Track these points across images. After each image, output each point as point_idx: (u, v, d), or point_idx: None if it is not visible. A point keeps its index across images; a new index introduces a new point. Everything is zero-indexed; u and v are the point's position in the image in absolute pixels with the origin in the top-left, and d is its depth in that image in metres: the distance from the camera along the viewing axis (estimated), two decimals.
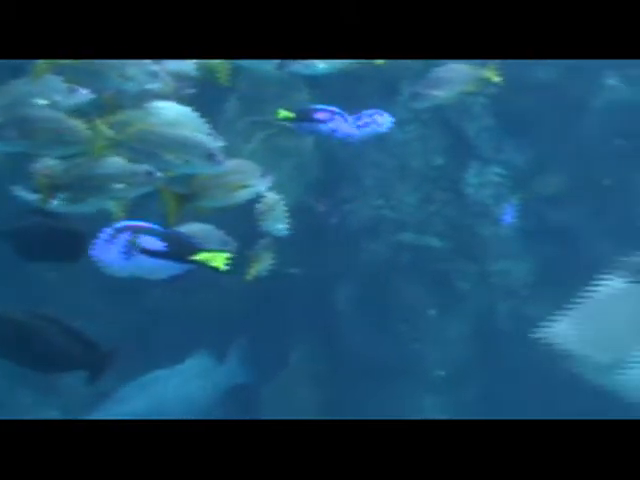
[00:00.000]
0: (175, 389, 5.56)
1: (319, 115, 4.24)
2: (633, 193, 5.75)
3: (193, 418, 5.13)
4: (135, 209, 3.55)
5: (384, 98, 5.33)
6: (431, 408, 5.79)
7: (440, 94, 4.45)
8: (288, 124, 4.16)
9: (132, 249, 3.12)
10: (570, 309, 2.68)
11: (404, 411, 5.70)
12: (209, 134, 3.57)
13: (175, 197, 3.63)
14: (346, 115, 4.29)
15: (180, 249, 3.16)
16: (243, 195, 3.88)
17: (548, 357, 5.74)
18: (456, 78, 4.44)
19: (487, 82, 4.54)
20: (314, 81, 5.31)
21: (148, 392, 5.50)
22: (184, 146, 3.46)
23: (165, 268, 3.19)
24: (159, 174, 3.50)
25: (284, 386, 5.86)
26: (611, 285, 2.64)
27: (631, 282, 2.62)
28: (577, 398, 5.26)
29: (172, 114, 3.53)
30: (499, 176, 5.82)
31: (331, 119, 4.23)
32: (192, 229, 3.81)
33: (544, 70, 5.68)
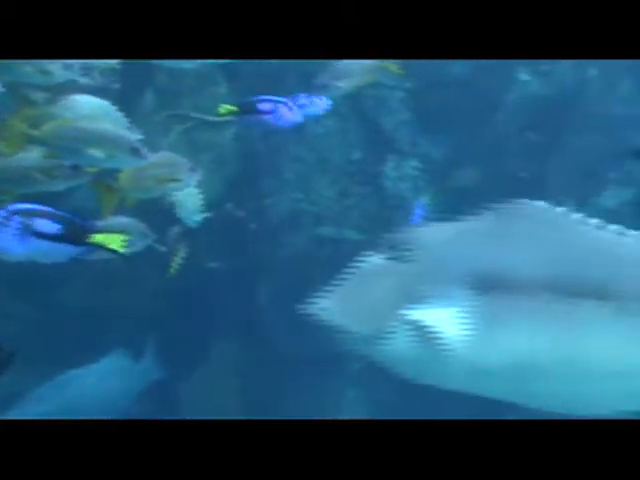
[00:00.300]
0: (91, 388, 5.47)
1: (263, 106, 4.21)
2: (546, 185, 5.87)
3: (110, 417, 5.05)
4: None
5: (302, 91, 5.33)
6: (354, 401, 5.82)
7: (342, 85, 4.50)
8: (232, 118, 4.13)
9: (26, 232, 3.04)
10: (335, 285, 2.84)
11: (326, 406, 5.71)
12: (127, 128, 3.53)
13: (108, 189, 3.61)
14: (290, 103, 4.28)
15: (75, 232, 3.09)
16: (172, 188, 3.88)
17: None
18: (358, 69, 4.48)
19: (388, 73, 4.61)
20: (232, 74, 5.27)
21: (64, 392, 5.40)
22: (107, 141, 3.42)
23: (61, 251, 3.13)
24: (87, 169, 3.46)
25: (204, 383, 5.81)
26: (371, 261, 2.81)
27: (387, 258, 2.80)
28: None
29: (90, 108, 3.48)
30: (417, 170, 5.87)
31: (275, 109, 4.21)
32: (114, 222, 3.79)
33: (459, 65, 5.75)
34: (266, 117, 4.19)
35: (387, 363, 2.84)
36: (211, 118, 4.13)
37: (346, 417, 5.76)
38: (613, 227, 2.78)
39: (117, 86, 3.87)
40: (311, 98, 4.41)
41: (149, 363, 5.68)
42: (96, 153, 3.39)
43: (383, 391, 5.82)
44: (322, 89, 4.55)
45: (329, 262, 5.81)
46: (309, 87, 4.92)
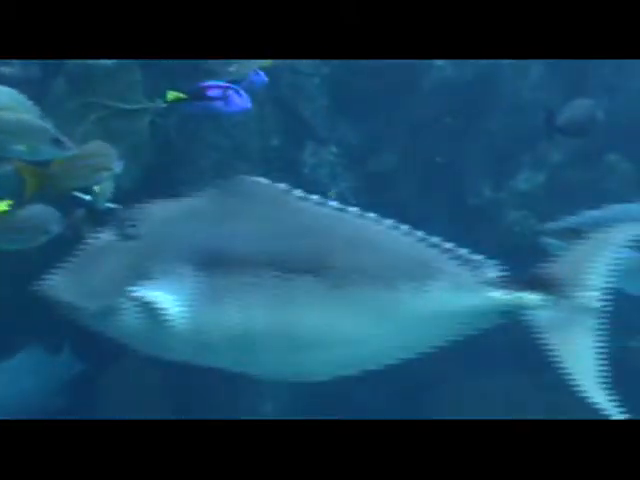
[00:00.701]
0: (6, 387, 5.34)
1: (212, 92, 4.16)
2: (463, 169, 5.94)
3: (27, 417, 4.93)
4: None
5: (215, 78, 5.27)
6: (271, 395, 5.82)
7: (233, 69, 4.52)
8: (148, 106, 4.08)
9: None
10: (67, 262, 2.94)
11: (247, 401, 5.70)
12: (41, 118, 3.47)
13: (33, 174, 3.57)
14: (239, 89, 4.24)
15: None
16: (104, 177, 3.89)
17: None
18: None
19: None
20: (146, 61, 5.18)
21: None
22: (29, 132, 3.36)
23: None
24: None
25: (125, 378, 5.72)
26: (101, 238, 2.92)
27: (116, 235, 2.92)
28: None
29: (6, 99, 3.40)
30: (335, 155, 5.88)
31: (224, 94, 4.16)
32: (28, 210, 3.78)
33: None
34: (216, 103, 4.16)
35: (118, 337, 2.92)
36: (127, 106, 4.06)
37: (266, 409, 5.76)
38: (333, 203, 2.89)
39: (30, 75, 3.78)
40: (250, 79, 4.39)
41: (67, 358, 5.56)
42: (19, 145, 3.33)
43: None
44: (212, 74, 4.55)
45: None
46: (222, 75, 4.88)
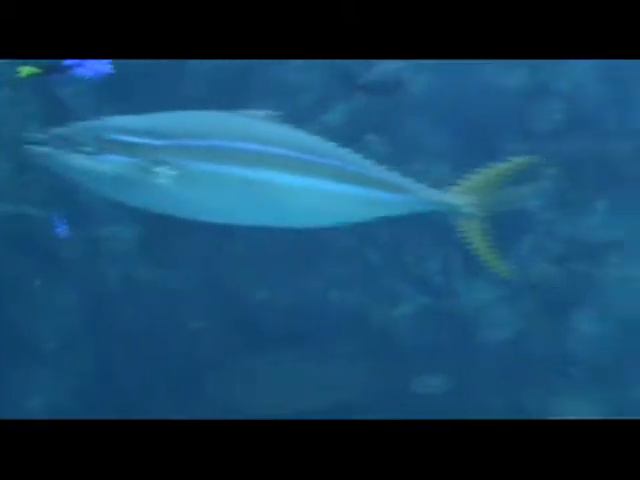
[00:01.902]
0: None
1: (68, 60, 3.93)
2: None
3: None
4: None
5: None
6: (46, 380, 5.66)
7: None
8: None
9: None
10: None
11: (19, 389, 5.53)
12: None
13: None
14: None
15: None
16: None
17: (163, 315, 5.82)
18: None
19: None
20: None
21: None
22: None
23: None
24: None
25: None
26: None
27: None
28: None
29: None
30: None
31: (82, 62, 3.95)
32: None
33: None
34: (75, 72, 3.94)
35: None
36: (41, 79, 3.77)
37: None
38: None
39: None
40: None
41: None
42: None
43: (75, 365, 5.72)
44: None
45: (8, 239, 5.56)
46: None
